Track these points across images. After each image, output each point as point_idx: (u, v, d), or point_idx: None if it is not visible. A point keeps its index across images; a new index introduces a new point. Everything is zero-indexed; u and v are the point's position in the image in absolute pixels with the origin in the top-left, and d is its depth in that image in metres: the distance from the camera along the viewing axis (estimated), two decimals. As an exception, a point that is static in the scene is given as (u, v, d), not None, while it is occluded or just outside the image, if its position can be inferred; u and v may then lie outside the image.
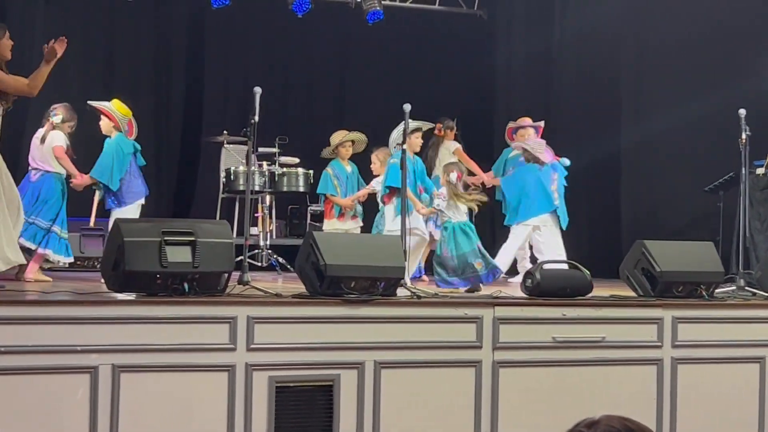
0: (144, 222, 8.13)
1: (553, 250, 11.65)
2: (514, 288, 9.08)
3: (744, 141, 9.75)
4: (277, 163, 13.37)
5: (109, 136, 10.92)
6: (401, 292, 8.08)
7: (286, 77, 16.40)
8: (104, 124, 10.95)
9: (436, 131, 12.52)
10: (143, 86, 15.32)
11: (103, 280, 7.81)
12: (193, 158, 15.76)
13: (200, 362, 7.13)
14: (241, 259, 8.79)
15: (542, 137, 12.53)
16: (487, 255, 9.85)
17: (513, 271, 12.06)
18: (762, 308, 8.88)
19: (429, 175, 11.69)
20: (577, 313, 8.21)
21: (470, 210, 10.04)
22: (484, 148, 14.49)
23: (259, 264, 12.80)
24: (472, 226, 9.98)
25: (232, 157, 13.85)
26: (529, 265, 11.68)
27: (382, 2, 15.88)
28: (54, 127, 10.58)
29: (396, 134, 10.80)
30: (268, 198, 13.36)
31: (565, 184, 12.08)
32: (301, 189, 13.27)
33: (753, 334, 8.71)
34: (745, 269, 9.87)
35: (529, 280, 8.47)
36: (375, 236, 8.54)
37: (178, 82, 16.03)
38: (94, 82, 14.96)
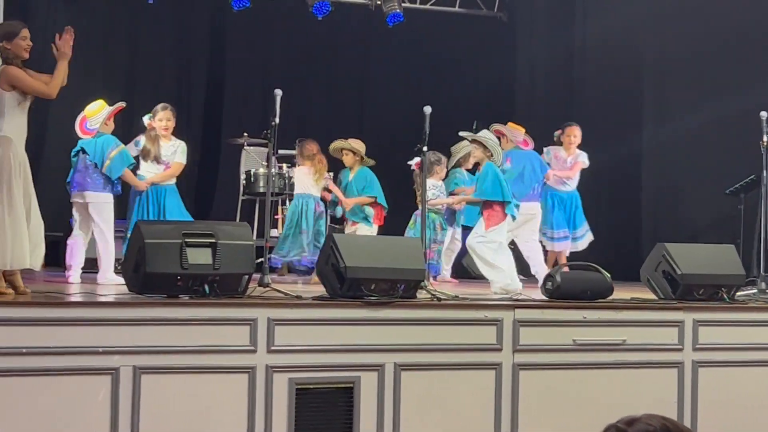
0: (165, 224, 8.16)
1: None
2: (535, 290, 9.08)
3: (765, 143, 9.73)
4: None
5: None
6: (421, 294, 8.09)
7: (306, 79, 16.42)
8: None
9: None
10: (164, 88, 15.36)
11: (124, 282, 7.83)
12: (214, 160, 15.80)
13: (221, 364, 7.15)
14: (262, 261, 8.80)
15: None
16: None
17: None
18: (783, 311, 8.86)
19: None
20: (598, 315, 8.20)
21: None
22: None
23: (279, 266, 12.82)
24: None
25: (252, 159, 13.88)
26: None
27: (402, 4, 15.90)
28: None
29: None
30: (288, 200, 13.38)
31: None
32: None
33: (774, 336, 8.69)
34: (767, 272, 9.84)
35: (550, 283, 8.47)
36: (395, 238, 8.52)
37: (199, 84, 16.07)
38: (116, 84, 15.01)
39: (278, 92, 8.98)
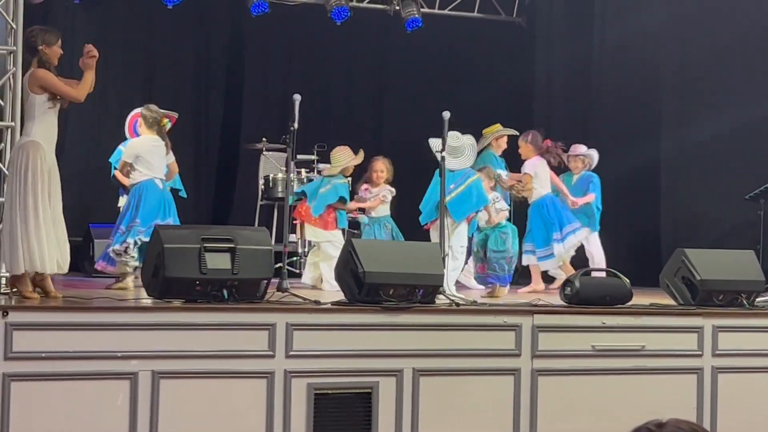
0: (184, 229, 8.17)
1: None
2: (553, 296, 9.06)
3: (785, 149, 9.71)
4: (315, 171, 13.38)
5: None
6: (440, 299, 8.08)
7: (325, 84, 16.42)
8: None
9: None
10: (183, 93, 15.38)
11: (143, 287, 7.84)
12: (232, 165, 15.81)
13: (239, 369, 7.15)
14: (280, 266, 8.81)
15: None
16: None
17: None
18: (804, 317, 8.82)
19: None
20: (617, 321, 8.18)
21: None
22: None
23: (298, 271, 12.81)
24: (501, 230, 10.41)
25: (271, 165, 13.89)
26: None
27: (421, 10, 15.91)
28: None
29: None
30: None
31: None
32: (339, 196, 13.28)
33: (794, 343, 8.65)
34: (787, 278, 9.79)
35: (569, 288, 8.45)
36: (414, 243, 8.52)
37: (218, 89, 16.08)
38: (134, 89, 15.03)
39: (297, 97, 8.99)
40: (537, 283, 11.63)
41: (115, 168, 10.65)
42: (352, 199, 11.49)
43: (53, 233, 7.74)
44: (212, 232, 7.65)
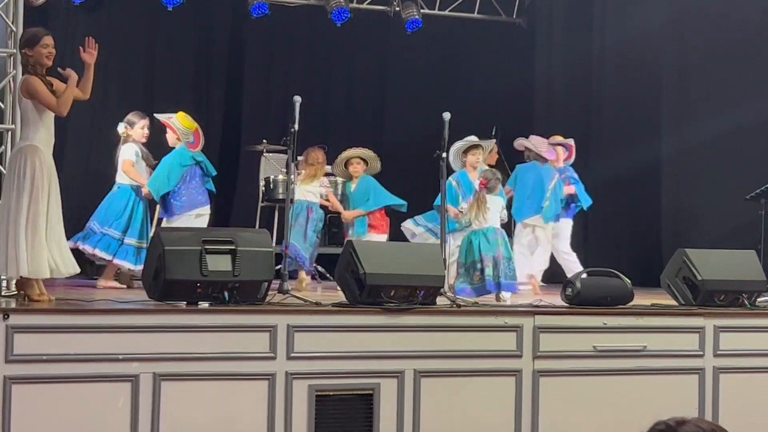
0: (184, 231, 8.16)
1: (539, 254, 11.72)
2: (555, 296, 9.06)
3: (786, 149, 9.71)
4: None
5: (175, 148, 11.11)
6: (441, 300, 8.07)
7: (325, 86, 16.42)
8: (169, 136, 11.20)
9: None
10: (183, 95, 15.37)
11: (144, 289, 7.84)
12: (233, 167, 15.79)
13: (240, 371, 7.15)
14: (281, 268, 8.80)
15: (578, 147, 12.54)
16: (501, 267, 9.97)
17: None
18: (805, 317, 8.81)
19: None
20: (618, 322, 8.18)
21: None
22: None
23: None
24: (496, 233, 10.09)
25: (272, 166, 13.88)
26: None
27: (421, 11, 15.91)
28: (125, 140, 10.93)
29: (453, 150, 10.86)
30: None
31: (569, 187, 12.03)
32: (340, 198, 13.24)
33: (796, 343, 8.65)
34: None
35: (570, 289, 8.44)
36: (415, 245, 8.54)
37: (218, 91, 16.07)
38: (135, 91, 15.04)
39: (297, 99, 8.99)
40: None
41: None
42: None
43: (52, 237, 7.72)
44: (213, 234, 7.65)
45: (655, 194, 14.19)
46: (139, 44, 15.56)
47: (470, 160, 11.24)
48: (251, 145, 14.27)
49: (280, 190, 13.08)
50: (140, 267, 10.61)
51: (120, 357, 6.85)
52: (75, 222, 10.67)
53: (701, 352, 8.35)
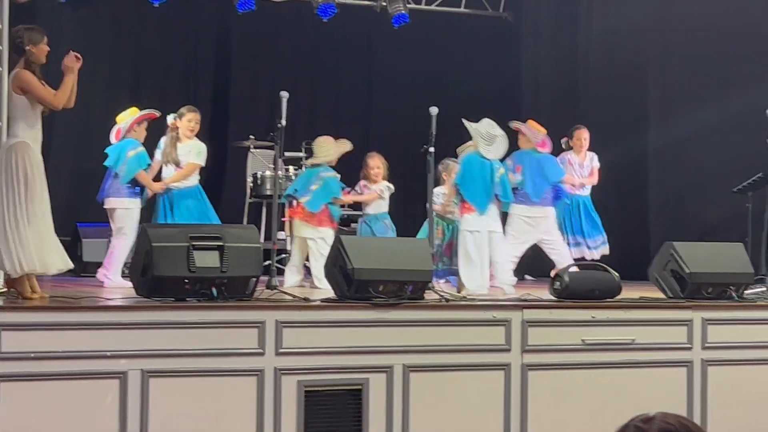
0: (172, 227, 8.17)
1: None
2: (543, 290, 9.06)
3: (772, 141, 9.71)
4: (303, 168, 13.34)
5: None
6: (429, 295, 8.07)
7: (312, 81, 16.41)
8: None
9: None
10: (170, 91, 15.34)
11: (132, 286, 7.83)
12: (220, 163, 15.75)
13: (229, 367, 7.14)
14: (269, 264, 8.79)
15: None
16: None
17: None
18: (793, 309, 8.83)
19: None
20: (607, 315, 8.19)
21: None
22: (511, 150, 14.40)
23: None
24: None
25: (259, 162, 13.87)
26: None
27: (408, 5, 15.89)
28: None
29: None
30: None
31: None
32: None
33: (783, 335, 8.66)
34: (775, 270, 9.82)
35: (558, 283, 8.44)
36: (403, 240, 8.53)
37: (205, 87, 16.05)
38: (122, 87, 15.01)
39: (284, 94, 8.98)
40: None
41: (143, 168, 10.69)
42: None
43: (43, 234, 7.72)
44: (201, 230, 7.64)
45: (643, 188, 14.20)
46: (126, 41, 15.54)
47: None
48: (238, 141, 14.26)
49: (268, 186, 13.06)
50: None
51: (108, 354, 6.84)
52: (62, 218, 10.64)
53: (689, 345, 8.37)
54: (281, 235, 12.78)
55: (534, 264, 12.58)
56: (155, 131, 11.28)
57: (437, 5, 16.50)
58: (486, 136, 10.19)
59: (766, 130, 9.75)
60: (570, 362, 8.04)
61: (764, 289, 9.48)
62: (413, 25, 15.94)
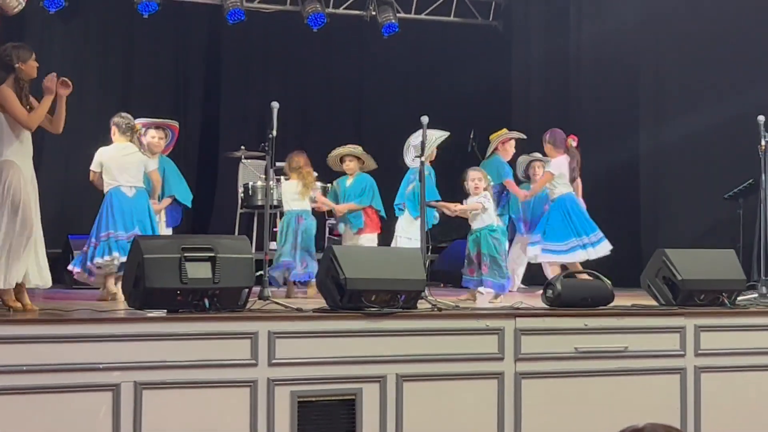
0: (163, 238, 8.17)
1: None
2: (535, 298, 9.07)
3: (763, 147, 9.71)
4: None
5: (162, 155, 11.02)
6: (422, 304, 8.07)
7: (303, 91, 16.43)
8: (159, 143, 10.99)
9: None
10: (161, 102, 15.34)
11: (124, 298, 7.82)
12: (211, 174, 15.78)
13: (222, 378, 7.13)
14: (261, 275, 8.79)
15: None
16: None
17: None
18: (785, 315, 8.84)
19: None
20: (599, 323, 8.18)
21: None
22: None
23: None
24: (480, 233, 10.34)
25: (250, 173, 13.87)
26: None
27: (397, 15, 15.91)
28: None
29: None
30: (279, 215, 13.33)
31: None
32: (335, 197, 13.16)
33: (776, 341, 8.66)
34: (767, 276, 9.81)
35: (550, 291, 8.44)
36: (395, 249, 8.54)
37: (196, 98, 16.08)
38: (112, 99, 15.00)
39: (275, 105, 8.97)
40: None
41: None
42: None
43: (33, 249, 7.74)
44: (192, 241, 7.62)
45: (634, 194, 14.21)
46: (115, 52, 15.56)
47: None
48: (229, 151, 14.27)
49: (259, 197, 13.06)
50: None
51: (101, 366, 6.83)
52: (53, 229, 10.65)
53: (682, 352, 8.37)
54: (273, 245, 12.77)
55: (526, 272, 12.60)
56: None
57: (427, 14, 16.53)
58: None
59: (757, 136, 9.74)
60: (563, 370, 8.03)
61: (756, 295, 9.47)
62: (403, 34, 15.98)
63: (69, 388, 6.75)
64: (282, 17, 15.92)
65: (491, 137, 12.39)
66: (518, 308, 8.42)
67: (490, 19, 16.83)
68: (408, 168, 11.24)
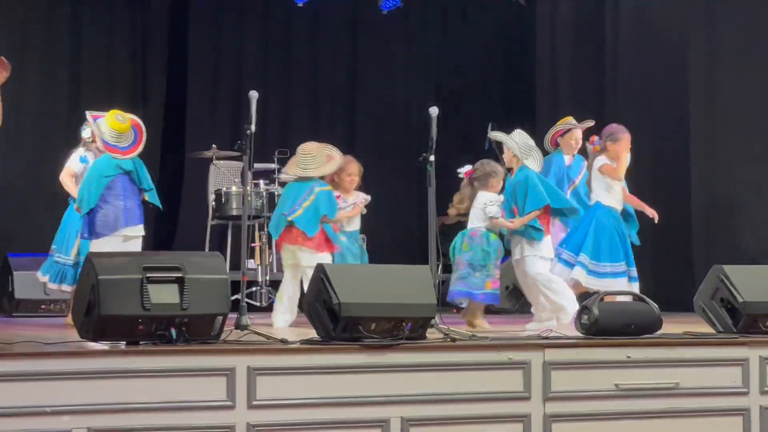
0: (122, 256, 8.16)
1: None
2: (568, 326, 9.08)
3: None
4: (276, 182, 13.36)
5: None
6: (432, 334, 8.08)
7: (286, 79, 16.46)
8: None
9: None
10: (115, 94, 15.37)
11: (75, 327, 7.82)
12: (176, 178, 15.81)
13: (193, 423, 7.13)
14: (238, 299, 8.80)
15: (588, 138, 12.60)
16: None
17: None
18: None
19: None
20: (645, 354, 8.19)
21: None
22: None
23: (258, 304, 12.83)
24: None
25: (223, 176, 13.90)
26: None
27: (400, -14, 15.98)
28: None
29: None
30: (266, 224, 13.36)
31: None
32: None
33: None
34: None
35: (586, 316, 8.44)
36: (399, 268, 8.49)
37: (157, 86, 16.09)
38: (61, 92, 15.02)
39: (253, 95, 9.00)
40: None
41: None
42: None
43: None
44: (155, 259, 7.62)
45: (684, 201, 14.21)
46: (63, 36, 15.55)
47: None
48: (197, 151, 14.28)
49: (234, 205, 13.09)
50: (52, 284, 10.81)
51: (48, 410, 6.83)
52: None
53: (745, 389, 8.36)
54: (251, 264, 12.81)
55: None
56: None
57: (435, -15, 16.59)
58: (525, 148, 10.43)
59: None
60: (601, 412, 8.04)
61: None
62: (405, 10, 16.00)
63: (9, 437, 6.76)
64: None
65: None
66: (548, 337, 8.43)
67: (511, -11, 16.89)
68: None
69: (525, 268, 10.69)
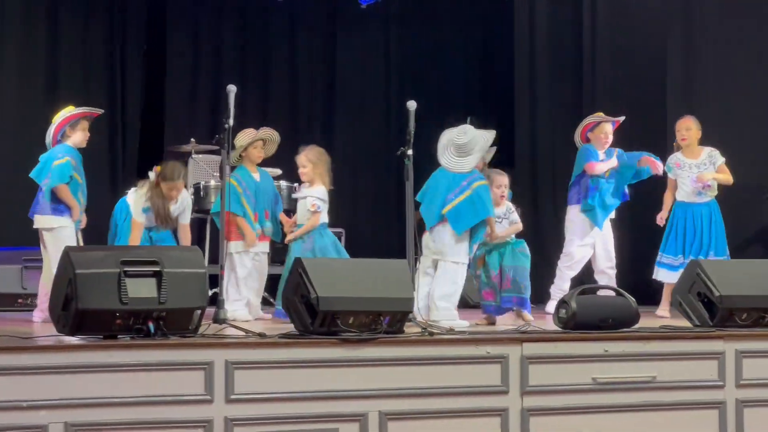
0: (100, 250, 8.13)
1: None
2: (546, 320, 9.10)
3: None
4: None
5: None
6: (410, 328, 8.09)
7: (264, 73, 16.44)
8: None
9: None
10: (92, 87, 15.35)
11: (51, 321, 7.81)
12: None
13: (170, 417, 7.13)
14: (216, 293, 8.79)
15: (570, 135, 12.62)
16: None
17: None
18: (844, 338, 8.88)
19: None
20: (622, 348, 8.21)
21: None
22: (505, 145, 14.36)
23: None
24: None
25: (201, 170, 13.88)
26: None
27: (379, -22, 15.97)
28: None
29: None
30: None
31: None
32: (285, 206, 13.23)
33: (833, 368, 8.71)
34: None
35: (563, 310, 8.46)
36: (377, 262, 8.50)
37: (134, 79, 16.04)
38: (33, 79, 14.97)
39: (232, 88, 8.99)
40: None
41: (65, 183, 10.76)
42: None
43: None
44: (133, 253, 7.63)
45: (661, 194, 14.20)
46: (40, 30, 15.48)
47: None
48: (176, 145, 14.26)
49: (212, 199, 13.06)
50: None
51: (24, 405, 6.82)
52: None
53: (721, 383, 8.39)
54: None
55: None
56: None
57: (414, -23, 16.58)
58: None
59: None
60: (579, 405, 8.06)
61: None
62: (384, 3, 15.98)
63: (-15, 432, 6.76)
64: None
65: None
66: (525, 331, 8.45)
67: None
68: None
69: None
